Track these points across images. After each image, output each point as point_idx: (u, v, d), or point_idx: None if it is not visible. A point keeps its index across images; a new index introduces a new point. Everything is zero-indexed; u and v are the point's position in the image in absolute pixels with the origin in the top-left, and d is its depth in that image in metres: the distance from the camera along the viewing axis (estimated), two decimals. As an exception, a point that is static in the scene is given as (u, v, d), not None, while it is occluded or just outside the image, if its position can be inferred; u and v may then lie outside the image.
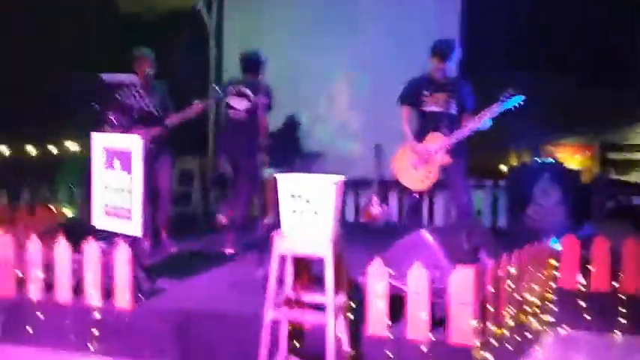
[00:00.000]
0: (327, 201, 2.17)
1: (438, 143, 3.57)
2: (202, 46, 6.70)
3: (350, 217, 5.70)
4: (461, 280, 2.21)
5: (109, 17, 6.50)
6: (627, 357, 2.75)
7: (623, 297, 2.89)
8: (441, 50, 3.58)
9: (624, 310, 2.86)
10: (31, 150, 6.21)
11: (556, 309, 2.95)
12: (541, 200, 4.42)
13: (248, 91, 3.89)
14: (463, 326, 2.19)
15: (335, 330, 2.12)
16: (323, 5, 6.11)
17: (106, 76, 2.69)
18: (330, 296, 2.13)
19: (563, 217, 4.22)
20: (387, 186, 5.30)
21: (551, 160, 4.92)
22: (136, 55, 3.77)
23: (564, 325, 2.95)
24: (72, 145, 6.48)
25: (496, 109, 3.41)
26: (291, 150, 5.41)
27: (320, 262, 2.16)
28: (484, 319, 2.29)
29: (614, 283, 2.94)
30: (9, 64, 5.26)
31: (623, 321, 2.86)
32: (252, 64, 3.90)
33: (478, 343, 2.20)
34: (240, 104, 3.91)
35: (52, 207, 4.50)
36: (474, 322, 2.19)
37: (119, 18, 6.63)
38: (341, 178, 2.26)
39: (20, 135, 5.77)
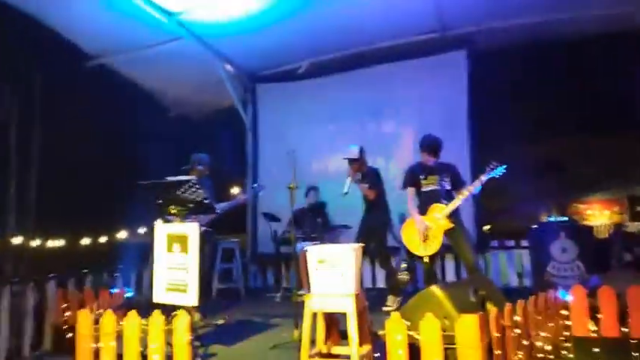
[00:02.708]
0: (348, 264, 2.65)
1: (440, 212, 4.15)
2: (241, 139, 7.63)
3: (380, 283, 6.10)
4: (467, 327, 2.57)
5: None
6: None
7: (634, 341, 3.11)
8: (428, 147, 4.35)
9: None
10: (97, 240, 6.99)
11: (570, 354, 3.19)
12: (558, 257, 4.73)
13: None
14: (472, 368, 2.52)
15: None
16: (342, 98, 6.94)
17: (170, 178, 3.43)
18: (354, 346, 2.54)
19: (580, 271, 4.50)
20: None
21: (564, 218, 5.22)
22: (195, 159, 4.75)
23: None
24: (127, 235, 7.24)
25: (484, 178, 4.02)
26: (319, 224, 5.88)
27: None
28: (493, 361, 2.61)
29: (623, 329, 3.18)
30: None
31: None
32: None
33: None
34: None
35: (113, 290, 5.10)
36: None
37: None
38: (359, 245, 2.76)
39: (86, 228, 6.57)
